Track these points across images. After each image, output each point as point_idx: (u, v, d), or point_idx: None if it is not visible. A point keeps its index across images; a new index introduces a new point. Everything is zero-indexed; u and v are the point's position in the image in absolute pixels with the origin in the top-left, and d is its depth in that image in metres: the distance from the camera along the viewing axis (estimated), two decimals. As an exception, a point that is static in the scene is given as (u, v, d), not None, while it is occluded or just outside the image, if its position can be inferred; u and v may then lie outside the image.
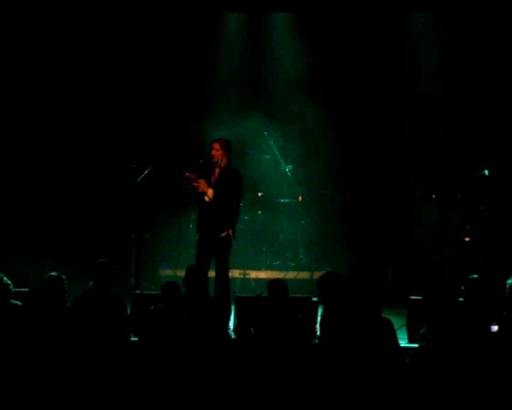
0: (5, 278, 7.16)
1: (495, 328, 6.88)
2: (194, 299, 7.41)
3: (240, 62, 11.98)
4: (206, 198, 8.80)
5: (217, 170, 8.91)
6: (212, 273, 8.93)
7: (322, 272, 10.59)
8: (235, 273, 10.83)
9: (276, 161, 11.65)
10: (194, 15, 11.66)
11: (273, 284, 7.14)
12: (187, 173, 8.86)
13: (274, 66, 11.99)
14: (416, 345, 6.77)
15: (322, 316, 7.34)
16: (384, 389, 6.37)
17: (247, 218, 11.43)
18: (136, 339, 7.40)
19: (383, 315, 6.89)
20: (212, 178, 8.91)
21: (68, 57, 11.62)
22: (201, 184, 8.81)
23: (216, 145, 8.87)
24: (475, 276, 7.21)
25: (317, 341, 7.44)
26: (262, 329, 6.90)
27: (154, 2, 11.53)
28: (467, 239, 9.70)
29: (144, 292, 8.83)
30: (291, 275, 11.04)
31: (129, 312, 8.15)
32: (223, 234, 8.75)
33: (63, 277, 7.16)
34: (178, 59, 11.80)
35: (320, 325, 7.25)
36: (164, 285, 7.15)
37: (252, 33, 12.01)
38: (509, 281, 7.06)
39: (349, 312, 6.84)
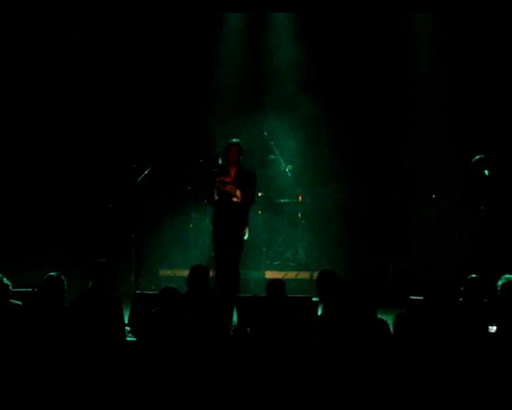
0: (5, 279, 7.17)
1: (493, 328, 6.88)
2: (198, 299, 7.41)
3: (240, 62, 11.97)
4: (235, 199, 9.18)
5: (233, 171, 9.28)
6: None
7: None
8: (235, 273, 10.83)
9: (276, 161, 11.64)
10: (194, 15, 11.67)
11: (271, 284, 7.15)
12: (222, 177, 9.19)
13: (274, 66, 11.98)
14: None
15: (319, 316, 7.33)
16: (382, 389, 6.37)
17: (246, 218, 11.43)
18: (132, 339, 7.39)
19: (383, 315, 6.89)
20: (228, 179, 9.25)
21: (69, 58, 11.62)
22: (233, 186, 9.18)
23: (235, 148, 9.29)
24: (474, 276, 7.22)
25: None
26: (260, 329, 6.90)
27: (154, 3, 11.53)
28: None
29: (144, 292, 8.83)
30: (291, 275, 11.03)
31: (129, 312, 8.17)
32: (242, 231, 9.25)
33: (63, 277, 7.16)
34: (179, 59, 11.80)
35: (317, 326, 7.24)
36: (162, 290, 7.13)
37: (252, 33, 12.01)
38: (500, 282, 7.07)
39: (344, 312, 6.84)
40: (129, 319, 8.11)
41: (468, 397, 6.30)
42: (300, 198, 11.64)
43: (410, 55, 11.75)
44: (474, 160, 9.28)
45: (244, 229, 9.28)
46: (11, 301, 7.19)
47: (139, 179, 10.24)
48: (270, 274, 11.08)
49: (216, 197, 9.25)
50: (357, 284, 7.17)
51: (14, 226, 11.41)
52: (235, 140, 9.37)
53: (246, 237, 9.35)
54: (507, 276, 7.09)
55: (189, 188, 11.28)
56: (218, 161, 9.77)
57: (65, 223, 11.53)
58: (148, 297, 8.19)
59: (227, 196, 9.19)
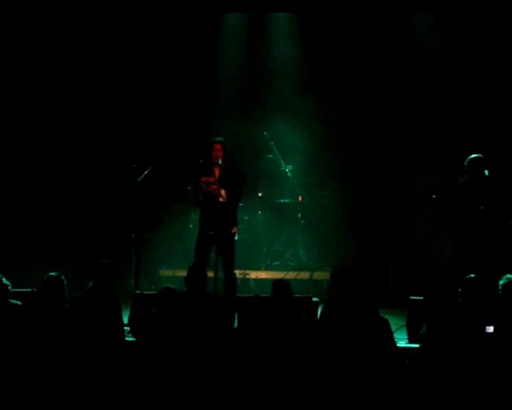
0: (4, 279, 7.16)
1: (490, 329, 6.88)
2: (198, 298, 7.40)
3: (240, 62, 11.98)
4: (221, 199, 9.11)
5: (217, 169, 9.18)
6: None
7: (325, 271, 10.87)
8: (234, 273, 10.84)
9: (276, 161, 11.64)
10: (194, 15, 11.67)
11: (277, 284, 7.14)
12: (204, 177, 9.13)
13: (275, 66, 11.98)
14: (417, 345, 6.77)
15: (320, 314, 7.33)
16: (381, 390, 6.37)
17: (246, 218, 11.43)
18: (131, 339, 7.39)
19: (383, 315, 6.89)
20: (214, 178, 9.16)
21: (69, 58, 11.63)
22: (217, 186, 9.10)
23: (219, 146, 9.18)
24: (472, 276, 7.21)
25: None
26: (265, 329, 6.90)
27: (154, 3, 11.53)
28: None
29: (144, 292, 8.83)
30: (291, 275, 11.01)
31: (129, 312, 8.17)
32: (232, 231, 9.15)
33: (62, 277, 7.16)
34: (178, 59, 11.80)
35: (318, 324, 7.25)
36: (161, 290, 7.14)
37: (252, 33, 12.01)
38: (501, 282, 7.07)
39: (347, 311, 6.84)
40: (129, 319, 8.11)
41: (466, 397, 6.31)
42: (300, 198, 11.63)
43: (411, 55, 11.74)
44: (469, 158, 9.21)
45: (233, 228, 9.18)
46: (11, 301, 7.19)
47: (139, 179, 10.22)
48: (270, 274, 11.09)
49: (200, 198, 9.22)
50: (359, 284, 7.14)
51: (14, 226, 11.40)
52: (218, 138, 9.27)
53: (236, 236, 9.25)
54: (508, 276, 7.10)
55: (189, 188, 11.27)
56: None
57: (65, 223, 11.52)
58: (147, 297, 8.20)
59: (212, 197, 9.14)
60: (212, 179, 9.14)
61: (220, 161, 9.12)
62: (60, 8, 11.45)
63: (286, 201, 11.65)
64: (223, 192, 9.12)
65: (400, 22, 11.71)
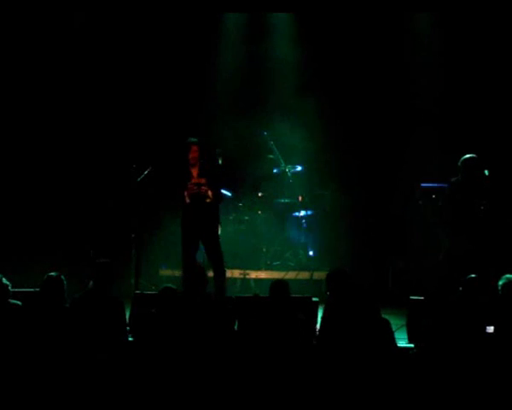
0: (4, 279, 7.16)
1: (490, 329, 6.88)
2: (198, 299, 7.40)
3: (240, 62, 11.97)
4: (208, 200, 9.16)
5: (195, 170, 9.29)
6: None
7: (325, 271, 10.86)
8: (235, 273, 10.87)
9: (276, 161, 11.63)
10: (194, 15, 11.67)
11: (275, 285, 7.14)
12: (194, 179, 9.21)
13: (275, 66, 11.98)
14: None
15: (322, 316, 7.33)
16: (381, 389, 6.37)
17: (247, 218, 11.45)
18: (133, 339, 7.38)
19: (383, 315, 6.90)
20: (202, 180, 9.28)
21: (69, 58, 11.63)
22: (207, 188, 9.19)
23: (196, 147, 9.30)
24: (473, 276, 7.21)
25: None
26: (263, 329, 6.89)
27: (153, 3, 11.53)
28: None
29: (144, 292, 8.82)
30: (291, 275, 11.01)
31: (128, 312, 8.16)
32: (218, 228, 9.32)
33: (62, 277, 7.15)
34: (178, 59, 11.80)
35: (320, 325, 7.25)
36: (161, 290, 7.14)
37: (252, 33, 12.01)
38: (501, 282, 7.06)
39: (348, 311, 6.84)
40: (129, 320, 8.10)
41: (466, 397, 6.31)
42: (300, 198, 11.63)
43: (411, 55, 11.74)
44: (463, 159, 9.17)
45: (218, 225, 9.35)
46: (11, 301, 7.19)
47: (139, 179, 10.23)
48: (270, 274, 11.08)
49: (187, 200, 9.24)
50: (356, 286, 7.15)
51: (14, 226, 11.40)
52: (193, 139, 9.36)
53: (219, 232, 9.40)
54: (507, 276, 7.10)
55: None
56: (217, 161, 9.78)
57: (65, 223, 11.52)
58: (147, 297, 8.20)
59: (201, 198, 9.20)
60: (202, 181, 9.21)
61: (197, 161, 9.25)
62: (60, 8, 11.44)
63: (286, 201, 11.65)
64: (210, 193, 9.21)
65: (400, 22, 11.71)
